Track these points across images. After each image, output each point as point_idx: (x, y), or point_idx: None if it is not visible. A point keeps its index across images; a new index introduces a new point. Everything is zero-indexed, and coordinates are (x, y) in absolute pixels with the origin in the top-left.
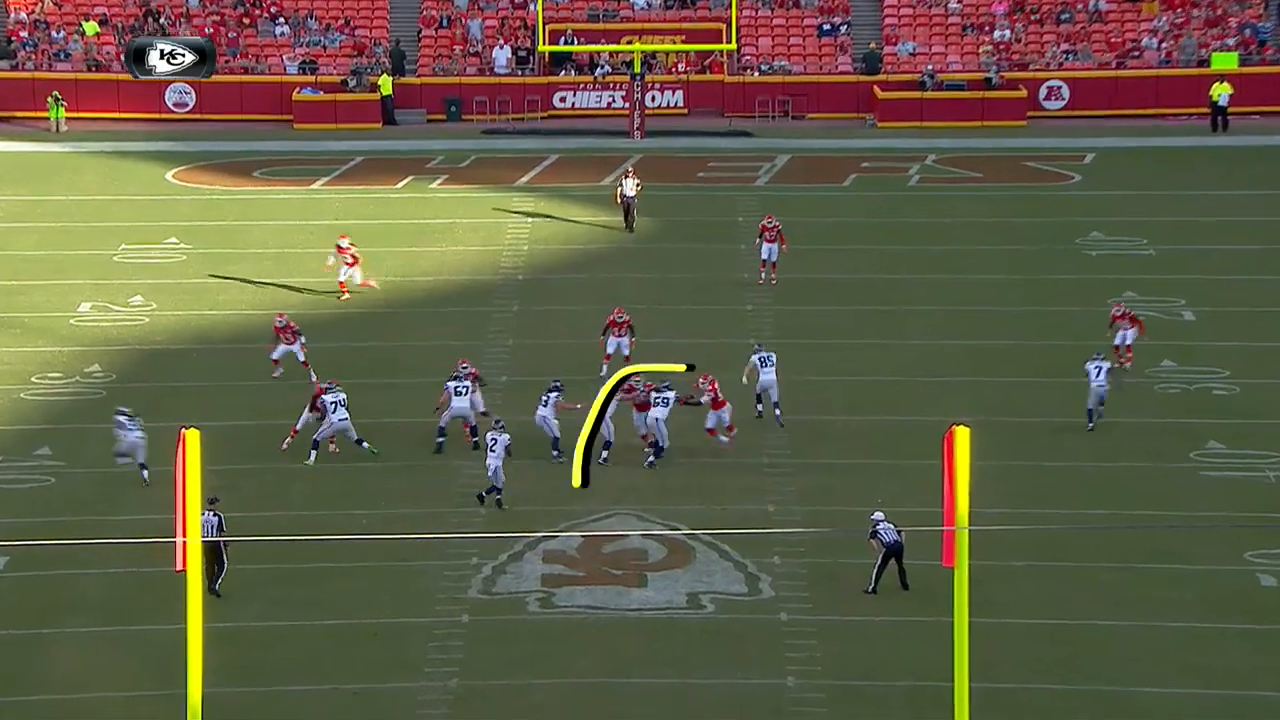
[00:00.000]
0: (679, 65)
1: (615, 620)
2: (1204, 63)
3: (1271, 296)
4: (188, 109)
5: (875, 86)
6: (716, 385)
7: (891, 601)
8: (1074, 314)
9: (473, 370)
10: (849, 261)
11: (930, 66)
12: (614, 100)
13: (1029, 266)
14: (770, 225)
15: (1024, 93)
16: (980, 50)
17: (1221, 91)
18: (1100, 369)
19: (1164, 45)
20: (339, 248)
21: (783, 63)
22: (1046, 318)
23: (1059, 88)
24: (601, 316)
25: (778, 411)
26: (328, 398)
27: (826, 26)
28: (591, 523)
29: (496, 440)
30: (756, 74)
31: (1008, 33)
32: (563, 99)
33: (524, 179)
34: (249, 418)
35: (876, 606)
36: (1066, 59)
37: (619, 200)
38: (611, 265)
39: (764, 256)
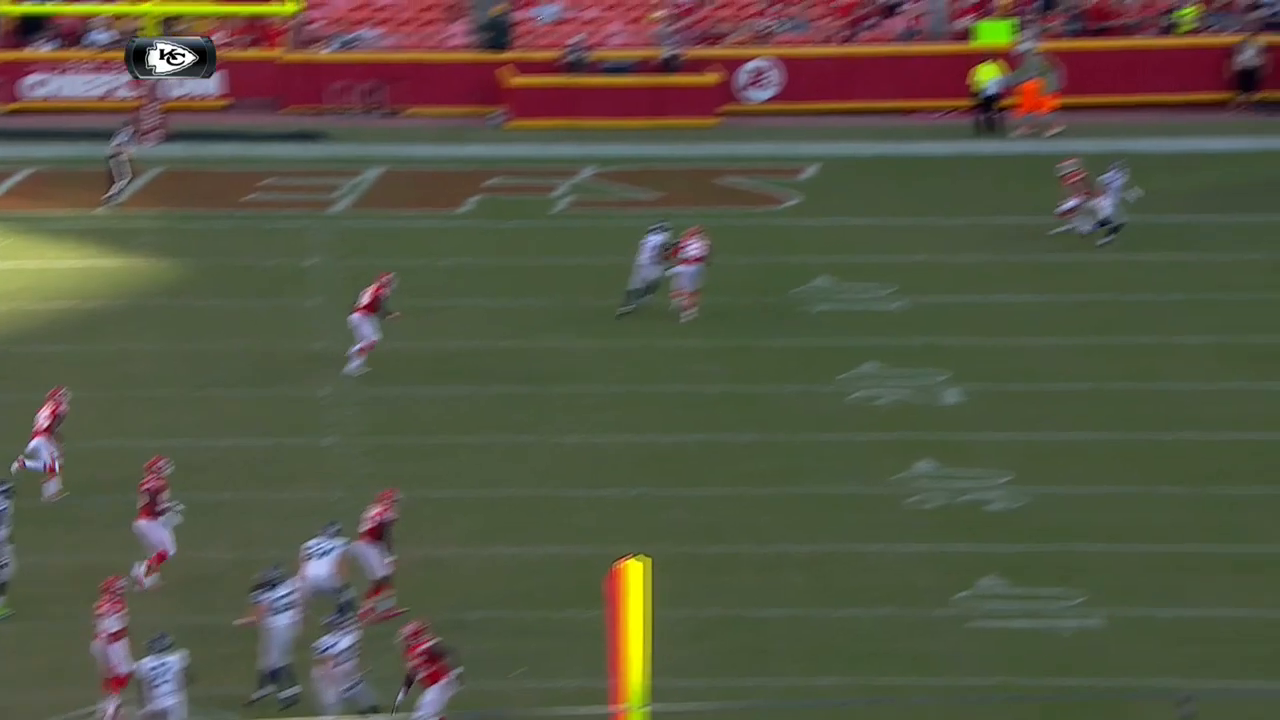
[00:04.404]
0: (215, 35)
1: None
2: (963, 36)
3: (1066, 365)
4: None
5: (504, 68)
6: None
7: None
8: (786, 396)
9: None
10: (468, 323)
11: (582, 37)
12: (116, 87)
13: (734, 329)
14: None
15: (717, 77)
16: (653, 18)
17: (989, 76)
18: None
19: (911, 6)
20: None
21: (367, 32)
22: (739, 402)
23: (767, 71)
24: (106, 406)
25: None
26: None
27: None
28: None
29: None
30: (330, 49)
31: None
32: (40, 84)
33: None
34: None
35: None
36: (777, 29)
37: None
38: (119, 331)
39: None
